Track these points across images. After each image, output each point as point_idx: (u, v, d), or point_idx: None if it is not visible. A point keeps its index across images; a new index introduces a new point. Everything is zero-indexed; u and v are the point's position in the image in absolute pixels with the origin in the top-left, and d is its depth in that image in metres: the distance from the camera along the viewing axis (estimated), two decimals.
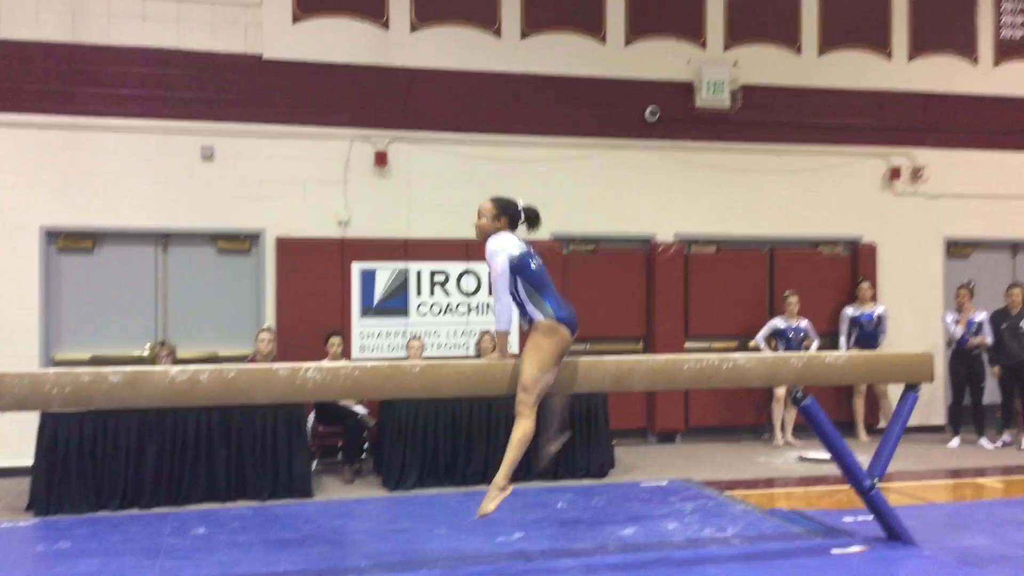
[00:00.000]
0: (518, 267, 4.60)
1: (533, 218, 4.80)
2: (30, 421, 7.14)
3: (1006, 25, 11.14)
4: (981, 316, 9.74)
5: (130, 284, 8.96)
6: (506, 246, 4.60)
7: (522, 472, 7.78)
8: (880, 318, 10.07)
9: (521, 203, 4.79)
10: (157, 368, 4.32)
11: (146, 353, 8.75)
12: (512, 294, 4.61)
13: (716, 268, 10.22)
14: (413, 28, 9.56)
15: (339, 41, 9.36)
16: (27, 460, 7.10)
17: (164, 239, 9.07)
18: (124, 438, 6.98)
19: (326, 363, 4.73)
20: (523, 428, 4.50)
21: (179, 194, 8.96)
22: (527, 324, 4.77)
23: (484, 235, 4.73)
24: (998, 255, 11.22)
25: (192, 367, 4.24)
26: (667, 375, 4.91)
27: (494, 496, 4.47)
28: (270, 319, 8.98)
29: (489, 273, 4.73)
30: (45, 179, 8.67)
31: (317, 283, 9.10)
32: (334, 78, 9.35)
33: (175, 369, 4.19)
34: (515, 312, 4.65)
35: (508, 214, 4.73)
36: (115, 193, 8.81)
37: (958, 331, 9.77)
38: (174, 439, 7.09)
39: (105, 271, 8.91)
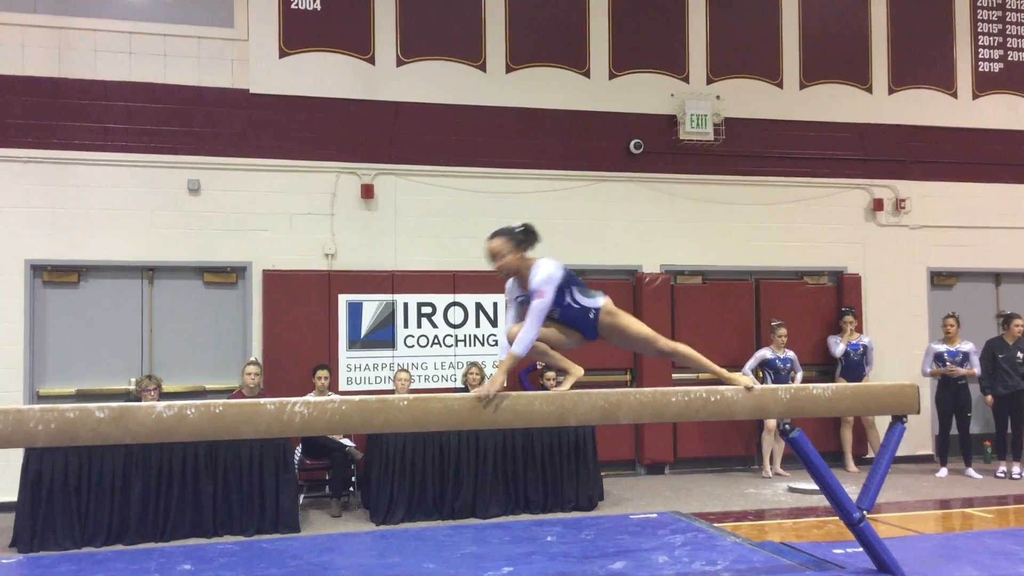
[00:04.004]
0: (567, 280, 4.60)
1: (533, 232, 4.66)
2: (14, 456, 7.07)
3: (983, 59, 11.32)
4: (967, 346, 9.78)
5: (116, 317, 8.92)
6: (554, 275, 4.50)
7: (511, 506, 7.81)
8: (866, 348, 10.12)
9: (517, 225, 4.65)
10: (144, 404, 4.29)
11: (132, 387, 8.67)
12: (568, 304, 4.63)
13: (702, 299, 10.26)
14: (399, 63, 9.64)
15: (325, 75, 9.42)
16: (11, 496, 7.04)
17: (150, 272, 9.04)
18: (109, 473, 6.93)
19: (313, 397, 4.71)
20: (683, 347, 5.01)
21: (165, 227, 8.96)
22: (585, 321, 4.70)
23: (513, 270, 4.59)
24: (982, 284, 11.31)
25: (179, 403, 4.20)
26: (655, 408, 4.89)
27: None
28: (256, 352, 8.94)
29: (524, 299, 4.59)
30: (30, 213, 8.65)
31: (304, 316, 9.08)
32: (320, 112, 9.40)
33: (162, 405, 4.15)
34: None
35: (516, 240, 4.58)
36: (101, 226, 8.80)
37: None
38: (160, 474, 7.03)
39: (91, 304, 8.87)
